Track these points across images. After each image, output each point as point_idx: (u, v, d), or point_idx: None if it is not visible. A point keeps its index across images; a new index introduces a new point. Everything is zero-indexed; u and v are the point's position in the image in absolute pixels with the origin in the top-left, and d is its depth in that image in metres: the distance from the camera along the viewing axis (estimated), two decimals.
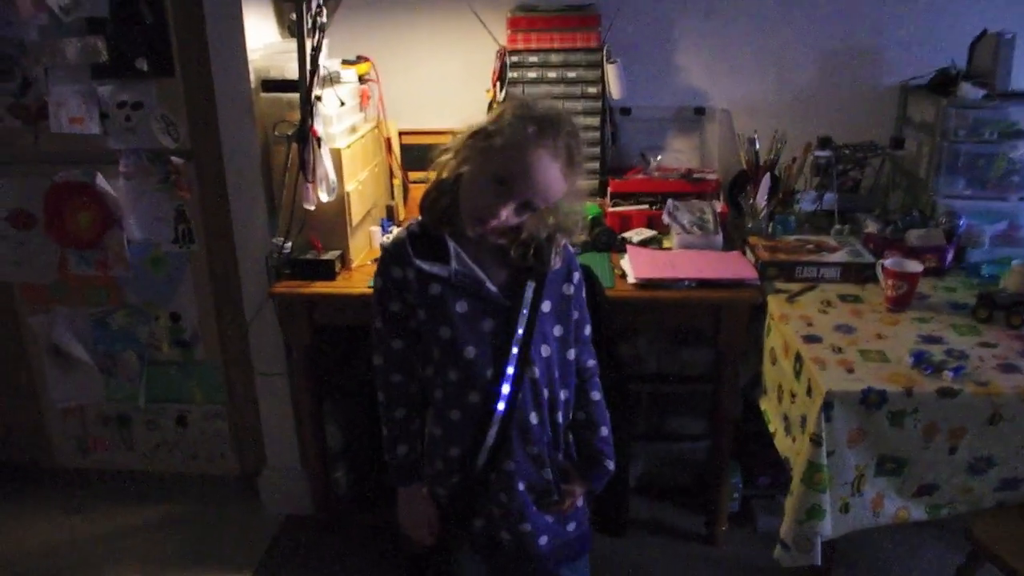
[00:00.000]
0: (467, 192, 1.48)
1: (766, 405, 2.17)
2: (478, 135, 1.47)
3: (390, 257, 1.56)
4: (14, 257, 2.60)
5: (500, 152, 1.43)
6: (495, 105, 2.57)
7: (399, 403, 1.64)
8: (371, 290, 2.09)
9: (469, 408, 1.55)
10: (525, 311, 1.53)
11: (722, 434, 2.40)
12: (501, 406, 1.54)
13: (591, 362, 1.70)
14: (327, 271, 2.29)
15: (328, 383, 2.60)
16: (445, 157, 1.53)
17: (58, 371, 2.74)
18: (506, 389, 1.53)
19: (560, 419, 1.63)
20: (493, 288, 1.52)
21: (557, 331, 1.59)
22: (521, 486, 1.60)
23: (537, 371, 1.55)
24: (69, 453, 2.87)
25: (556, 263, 1.56)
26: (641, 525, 2.60)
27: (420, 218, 1.57)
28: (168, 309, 2.64)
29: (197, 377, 2.72)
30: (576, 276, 1.63)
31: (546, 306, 1.56)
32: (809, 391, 1.80)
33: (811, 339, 1.93)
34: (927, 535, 2.51)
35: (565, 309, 1.61)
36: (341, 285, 2.29)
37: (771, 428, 2.10)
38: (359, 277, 2.32)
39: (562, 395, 1.62)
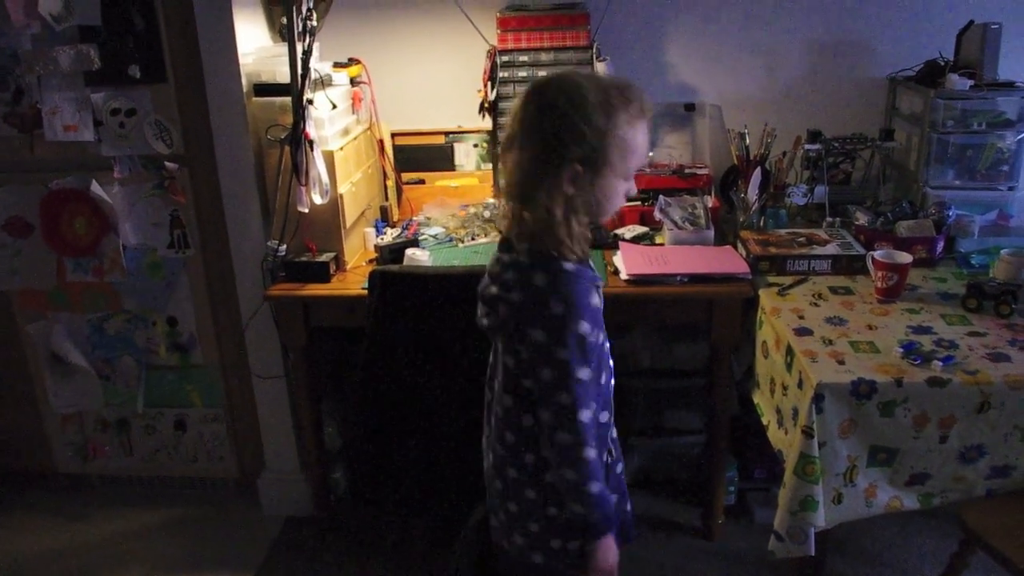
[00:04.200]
0: (608, 205, 1.42)
1: (759, 398, 2.18)
2: (583, 169, 1.35)
3: (589, 284, 1.39)
4: (11, 265, 2.61)
5: (620, 156, 1.37)
6: (486, 105, 2.58)
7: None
8: (365, 292, 2.14)
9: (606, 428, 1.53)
10: None
11: (717, 428, 2.42)
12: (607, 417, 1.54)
13: None
14: (322, 273, 2.31)
15: (325, 384, 2.61)
16: (540, 209, 1.37)
17: (57, 378, 2.75)
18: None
19: None
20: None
21: None
22: None
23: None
24: (69, 459, 2.88)
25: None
26: (638, 519, 2.58)
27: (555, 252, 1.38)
28: (165, 314, 2.65)
29: (195, 381, 2.73)
30: None
31: None
32: (800, 383, 1.81)
33: (802, 332, 1.94)
34: (920, 523, 2.53)
35: None
36: (336, 287, 2.30)
37: (764, 421, 2.11)
38: (353, 278, 2.34)
39: None
